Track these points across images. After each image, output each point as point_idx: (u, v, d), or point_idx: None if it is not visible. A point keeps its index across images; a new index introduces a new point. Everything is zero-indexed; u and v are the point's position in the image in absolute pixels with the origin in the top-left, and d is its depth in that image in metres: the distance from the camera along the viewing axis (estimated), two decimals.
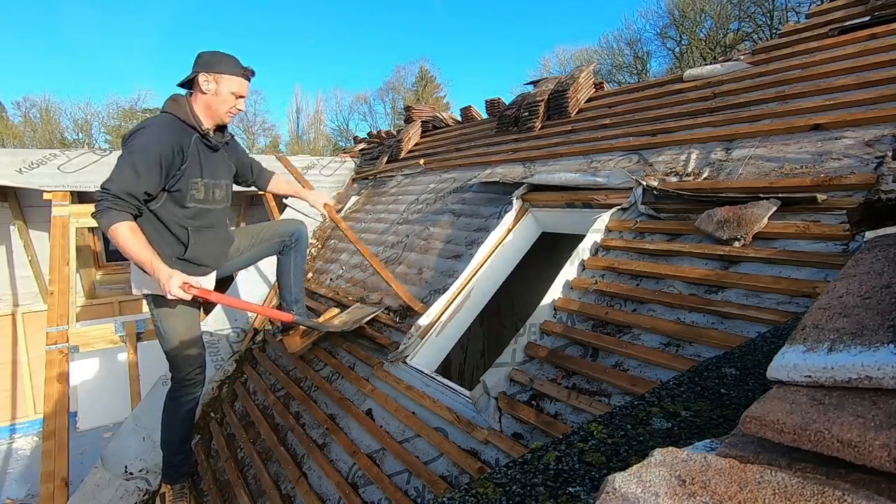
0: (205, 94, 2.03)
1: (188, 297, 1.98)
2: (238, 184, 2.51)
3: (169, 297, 1.93)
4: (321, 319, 2.87)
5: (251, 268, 3.85)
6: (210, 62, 2.01)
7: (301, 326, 2.83)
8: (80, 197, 4.49)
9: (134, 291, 2.24)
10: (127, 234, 1.86)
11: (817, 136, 1.90)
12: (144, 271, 1.98)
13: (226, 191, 2.27)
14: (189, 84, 2.07)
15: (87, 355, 5.65)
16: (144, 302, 2.37)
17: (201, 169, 2.09)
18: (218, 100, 2.05)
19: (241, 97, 2.11)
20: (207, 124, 2.10)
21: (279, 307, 2.95)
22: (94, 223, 4.17)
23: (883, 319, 0.48)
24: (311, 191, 2.79)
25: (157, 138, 1.91)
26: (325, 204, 2.73)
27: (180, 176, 2.01)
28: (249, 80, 2.12)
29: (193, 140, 2.04)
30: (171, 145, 1.93)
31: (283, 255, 2.72)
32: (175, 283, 1.90)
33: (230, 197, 2.32)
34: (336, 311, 2.97)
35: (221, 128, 2.22)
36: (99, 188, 1.87)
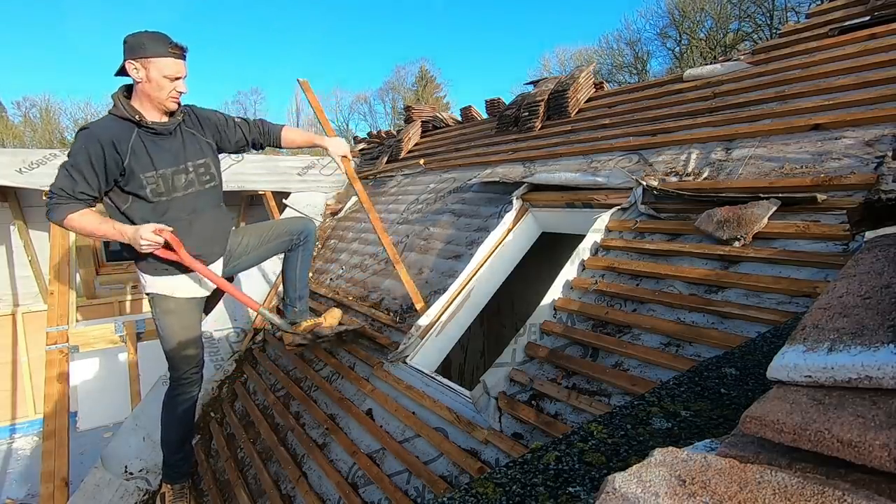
0: (138, 82, 1.90)
1: (160, 240, 1.94)
2: (250, 149, 2.37)
3: (143, 246, 1.91)
4: (320, 320, 2.86)
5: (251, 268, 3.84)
6: (134, 47, 1.85)
7: (302, 326, 2.82)
8: None
9: (143, 290, 2.25)
10: (79, 219, 1.89)
11: (817, 136, 1.90)
12: (131, 254, 2.02)
13: (195, 174, 2.13)
14: (122, 75, 1.94)
15: (87, 355, 5.64)
16: (146, 301, 2.37)
17: (152, 161, 1.98)
18: (152, 86, 1.91)
19: (178, 78, 1.94)
20: (152, 115, 1.98)
21: (277, 309, 2.94)
22: None
23: (883, 319, 0.48)
24: (332, 139, 2.51)
25: (87, 139, 1.87)
26: (344, 157, 2.53)
27: (129, 173, 1.93)
28: (183, 57, 1.95)
29: (135, 134, 1.94)
30: (101, 144, 1.87)
31: (290, 251, 2.67)
32: (145, 230, 1.90)
33: (209, 178, 2.19)
34: (337, 311, 2.96)
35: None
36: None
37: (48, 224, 3.98)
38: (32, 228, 5.36)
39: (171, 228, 1.99)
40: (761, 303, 1.47)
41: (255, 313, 3.76)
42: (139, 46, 1.85)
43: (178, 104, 2.04)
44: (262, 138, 2.41)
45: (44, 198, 2.00)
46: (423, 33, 53.89)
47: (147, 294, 2.23)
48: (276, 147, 2.48)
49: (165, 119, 2.04)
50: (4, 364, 5.67)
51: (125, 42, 1.88)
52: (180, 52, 1.93)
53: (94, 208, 1.96)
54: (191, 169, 2.12)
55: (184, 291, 2.20)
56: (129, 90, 1.99)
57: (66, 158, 1.90)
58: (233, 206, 6.24)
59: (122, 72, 1.92)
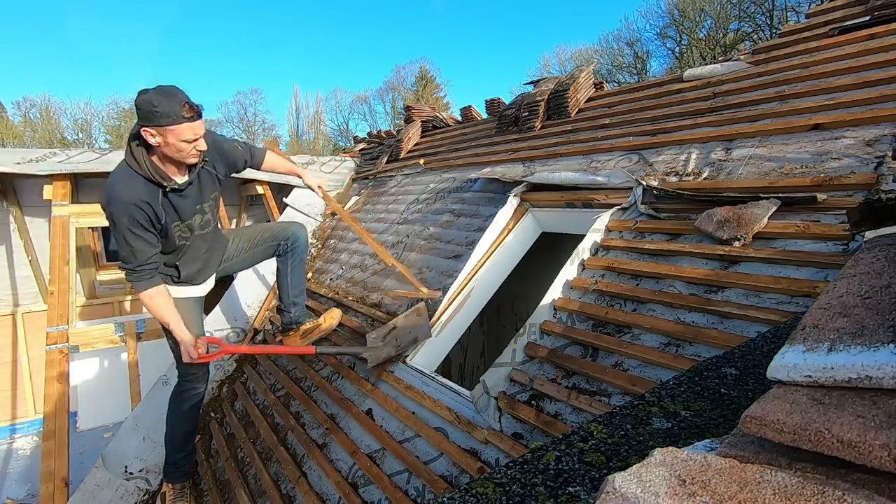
0: (154, 147, 1.87)
1: (204, 352, 2.17)
2: (237, 172, 2.45)
3: (189, 359, 2.15)
4: (319, 321, 2.87)
5: (251, 269, 3.85)
6: (149, 115, 1.78)
7: (301, 329, 2.84)
8: (79, 193, 4.48)
9: None
10: (154, 300, 2.04)
11: (817, 136, 1.90)
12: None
13: (210, 212, 2.21)
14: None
15: (87, 355, 5.64)
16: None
17: (178, 214, 2.05)
18: (171, 149, 1.87)
19: (196, 140, 1.89)
20: (173, 171, 1.98)
21: (278, 309, 2.96)
22: (94, 223, 4.18)
23: (883, 319, 0.48)
24: (307, 170, 2.70)
25: (122, 208, 1.87)
26: (319, 186, 2.67)
27: (162, 228, 2.01)
28: (200, 117, 1.88)
29: (160, 195, 1.94)
30: (139, 206, 1.88)
31: (281, 257, 2.69)
32: (201, 344, 2.15)
33: (216, 207, 2.29)
34: (337, 311, 2.97)
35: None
36: (121, 266, 2.03)
37: (48, 223, 3.98)
38: (32, 228, 5.36)
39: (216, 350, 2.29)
40: (761, 303, 1.47)
41: (256, 313, 3.78)
42: (153, 115, 1.78)
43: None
44: (251, 161, 2.45)
45: (122, 274, 2.17)
46: (423, 33, 53.91)
47: None
48: (256, 170, 2.52)
49: (186, 176, 2.03)
50: (4, 364, 5.67)
51: (137, 107, 1.80)
52: (195, 115, 1.85)
53: (166, 286, 2.13)
54: (206, 209, 2.18)
55: (177, 292, 2.25)
56: (144, 140, 1.88)
57: (116, 231, 1.92)
58: (233, 205, 6.24)
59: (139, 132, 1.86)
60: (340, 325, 2.94)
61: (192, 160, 1.97)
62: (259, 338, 3.61)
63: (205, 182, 2.14)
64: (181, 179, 2.01)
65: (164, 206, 1.97)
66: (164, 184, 1.92)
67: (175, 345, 2.29)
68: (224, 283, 3.71)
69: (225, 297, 3.78)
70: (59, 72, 43.28)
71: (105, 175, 3.93)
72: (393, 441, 1.95)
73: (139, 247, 1.94)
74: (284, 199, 4.79)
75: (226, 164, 2.26)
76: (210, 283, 2.41)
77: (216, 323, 3.62)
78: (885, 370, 0.42)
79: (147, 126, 1.80)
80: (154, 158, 1.92)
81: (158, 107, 1.77)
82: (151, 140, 1.83)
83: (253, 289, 3.87)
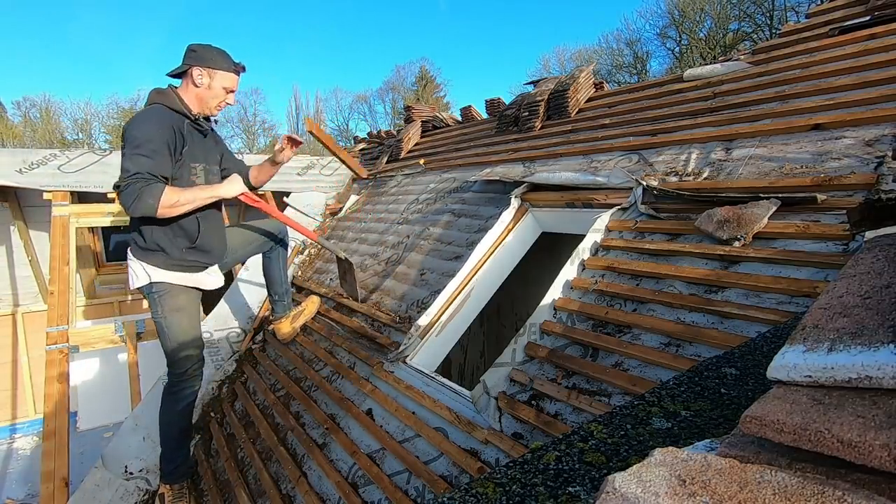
0: (197, 87, 2.10)
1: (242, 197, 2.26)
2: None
3: (238, 195, 2.23)
4: (302, 307, 3.18)
5: (251, 270, 3.87)
6: (204, 57, 2.07)
7: (290, 315, 3.09)
8: (80, 197, 4.48)
9: (133, 286, 2.22)
10: (177, 194, 1.95)
11: (817, 136, 1.90)
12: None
13: (219, 177, 2.33)
14: (179, 75, 2.12)
15: (87, 355, 5.64)
16: (146, 301, 2.38)
17: (196, 154, 2.14)
18: (210, 94, 2.12)
19: (232, 92, 2.19)
20: (196, 112, 2.17)
21: (271, 301, 3.21)
22: (94, 223, 4.17)
23: (883, 319, 0.48)
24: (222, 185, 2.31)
25: (157, 123, 1.96)
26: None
27: (182, 160, 2.06)
28: (240, 75, 2.19)
29: (186, 125, 2.09)
30: (172, 127, 1.99)
31: (270, 252, 2.88)
32: (239, 187, 2.21)
33: (220, 179, 2.37)
34: (316, 298, 3.27)
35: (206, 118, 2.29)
36: (113, 187, 2.00)
37: (48, 224, 3.98)
38: (32, 228, 5.36)
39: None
40: (761, 303, 1.47)
41: (256, 313, 3.78)
42: (209, 58, 2.08)
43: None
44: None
45: (110, 195, 2.11)
46: (423, 33, 53.94)
47: (148, 293, 2.22)
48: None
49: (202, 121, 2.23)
50: (4, 364, 5.67)
51: (192, 49, 2.08)
52: (241, 70, 2.19)
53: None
54: (215, 171, 2.31)
55: (187, 280, 2.28)
56: (185, 81, 2.14)
57: (131, 146, 1.89)
58: (233, 206, 6.24)
59: (179, 75, 2.11)
60: (341, 325, 2.95)
61: (217, 112, 2.21)
62: (259, 337, 3.61)
63: (215, 148, 2.32)
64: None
65: (187, 136, 2.08)
66: (189, 114, 2.10)
67: (175, 348, 2.28)
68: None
69: (225, 297, 3.78)
70: (59, 71, 43.30)
71: (104, 196, 3.92)
72: (393, 441, 1.95)
73: (158, 159, 1.90)
74: (284, 199, 4.80)
75: (222, 151, 2.45)
76: (217, 280, 2.43)
77: (216, 322, 3.62)
78: (885, 370, 0.42)
79: (200, 66, 2.07)
80: (182, 97, 2.12)
81: (216, 55, 2.09)
82: (199, 80, 2.08)
83: (254, 289, 3.87)
